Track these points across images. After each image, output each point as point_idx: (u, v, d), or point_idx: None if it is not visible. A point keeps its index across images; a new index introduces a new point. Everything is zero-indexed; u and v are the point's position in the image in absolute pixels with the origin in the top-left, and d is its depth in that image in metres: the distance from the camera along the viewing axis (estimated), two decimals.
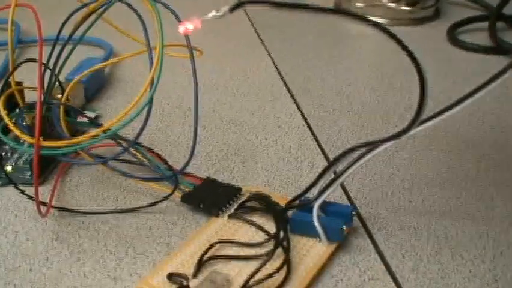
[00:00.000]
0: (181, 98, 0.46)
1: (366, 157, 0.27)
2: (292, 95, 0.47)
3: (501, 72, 0.21)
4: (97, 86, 0.47)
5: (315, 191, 0.30)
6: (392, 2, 0.62)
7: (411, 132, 0.24)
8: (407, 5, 0.62)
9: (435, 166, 0.38)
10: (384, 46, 0.60)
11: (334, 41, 0.60)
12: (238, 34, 0.61)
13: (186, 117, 0.44)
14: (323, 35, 0.61)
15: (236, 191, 0.32)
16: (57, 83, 0.37)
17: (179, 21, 0.33)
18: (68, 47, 0.34)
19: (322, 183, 0.28)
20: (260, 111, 0.45)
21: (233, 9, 0.20)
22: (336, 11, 0.21)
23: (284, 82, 0.50)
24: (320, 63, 0.54)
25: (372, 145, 0.26)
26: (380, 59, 0.56)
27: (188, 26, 0.22)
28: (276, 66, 0.53)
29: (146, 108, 0.29)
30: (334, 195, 0.35)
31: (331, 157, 0.39)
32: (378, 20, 0.63)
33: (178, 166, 0.34)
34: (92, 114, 0.43)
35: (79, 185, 0.35)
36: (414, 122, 0.23)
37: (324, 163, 0.38)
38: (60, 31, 0.34)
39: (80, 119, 0.38)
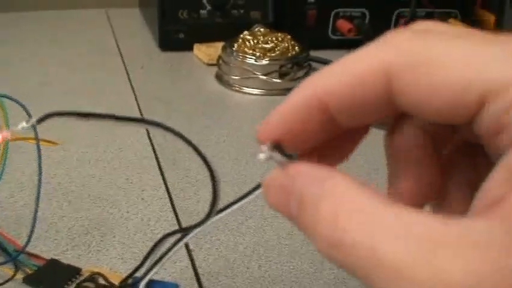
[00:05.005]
0: (53, 174, 0.49)
1: (182, 241, 0.30)
2: (160, 167, 0.51)
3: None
4: None
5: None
6: (264, 75, 0.68)
7: (209, 222, 0.28)
8: (278, 77, 0.68)
9: (277, 233, 0.43)
10: (258, 116, 0.65)
11: (212, 110, 0.64)
12: (118, 105, 0.64)
13: (55, 192, 0.46)
14: (209, 104, 0.66)
15: (75, 271, 0.35)
16: None
17: (28, 113, 0.37)
18: None
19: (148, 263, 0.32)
20: (127, 184, 0.48)
21: (40, 121, 0.23)
22: (137, 119, 0.25)
23: (155, 154, 0.54)
24: (192, 134, 0.58)
25: (184, 231, 0.30)
26: (250, 129, 0.61)
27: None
28: (150, 138, 0.57)
29: None
30: (181, 265, 0.39)
31: None
32: (254, 91, 0.68)
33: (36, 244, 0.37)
34: None
35: None
36: (210, 214, 0.27)
37: (178, 234, 0.42)
38: None
39: None
